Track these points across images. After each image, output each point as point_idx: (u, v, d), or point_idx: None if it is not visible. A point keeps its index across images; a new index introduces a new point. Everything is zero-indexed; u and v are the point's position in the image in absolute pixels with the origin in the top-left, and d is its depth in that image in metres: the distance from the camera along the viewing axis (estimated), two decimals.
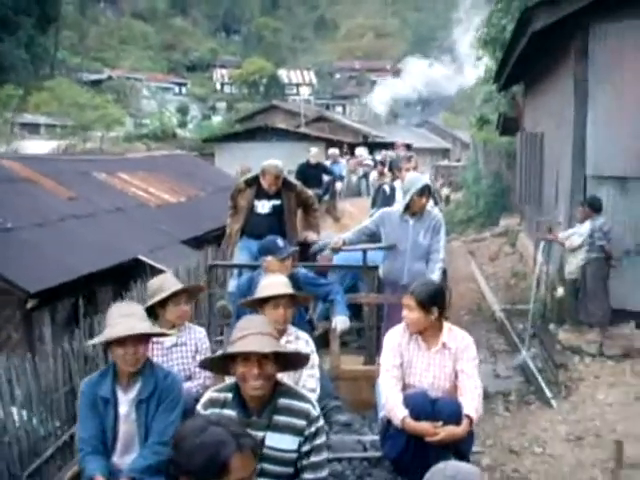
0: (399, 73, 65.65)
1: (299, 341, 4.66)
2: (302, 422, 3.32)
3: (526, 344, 9.34)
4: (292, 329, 4.74)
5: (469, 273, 14.91)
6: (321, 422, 3.43)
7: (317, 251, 7.57)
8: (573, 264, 9.07)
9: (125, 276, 10.48)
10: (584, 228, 8.86)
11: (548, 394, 7.83)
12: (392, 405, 4.17)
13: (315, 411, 3.41)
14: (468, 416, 4.11)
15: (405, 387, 4.36)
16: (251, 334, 3.32)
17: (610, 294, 8.98)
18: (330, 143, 24.59)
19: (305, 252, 7.28)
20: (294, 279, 5.22)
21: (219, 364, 3.51)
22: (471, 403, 4.17)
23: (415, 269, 6.09)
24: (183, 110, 69.99)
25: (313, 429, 3.34)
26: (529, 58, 12.09)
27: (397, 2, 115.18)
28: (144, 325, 4.05)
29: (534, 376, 8.39)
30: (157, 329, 4.42)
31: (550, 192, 11.62)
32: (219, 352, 3.57)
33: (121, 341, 3.89)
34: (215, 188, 18.55)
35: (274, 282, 4.69)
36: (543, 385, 8.06)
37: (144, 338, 4.03)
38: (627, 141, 9.35)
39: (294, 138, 28.18)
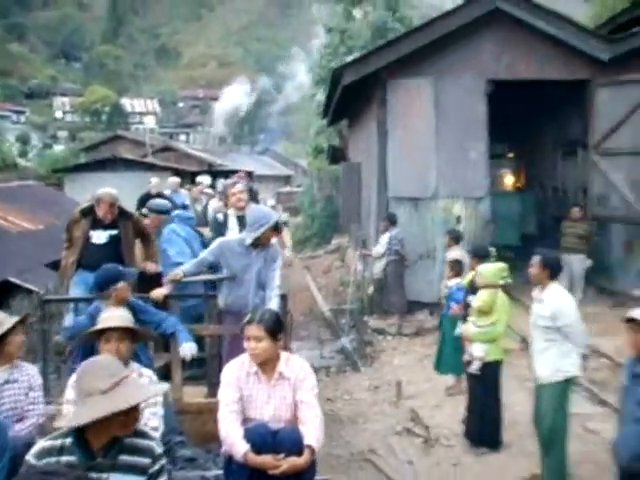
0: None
1: (142, 378, 4.49)
2: (147, 460, 3.28)
3: (346, 332, 11.91)
4: (134, 365, 4.58)
5: (305, 284, 17.44)
6: (164, 460, 3.44)
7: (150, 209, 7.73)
8: (378, 267, 11.78)
9: None
10: (384, 238, 11.57)
11: (359, 363, 10.39)
12: (232, 440, 4.18)
13: (159, 449, 3.41)
14: (309, 446, 4.16)
15: (246, 420, 4.37)
16: (124, 379, 3.23)
17: (406, 289, 11.76)
18: (176, 172, 26.19)
19: (144, 283, 6.86)
20: (132, 309, 5.15)
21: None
22: (312, 433, 4.22)
23: (258, 299, 6.08)
24: (23, 139, 68.87)
25: (157, 467, 3.32)
26: (347, 101, 14.87)
27: (239, 32, 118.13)
28: None
29: (350, 353, 10.93)
30: None
31: (365, 211, 14.40)
32: (100, 407, 3.12)
33: None
34: (69, 216, 20.01)
35: (111, 315, 4.62)
36: (356, 358, 10.62)
37: None
38: (417, 170, 12.26)
39: (142, 168, 29.26)
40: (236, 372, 4.42)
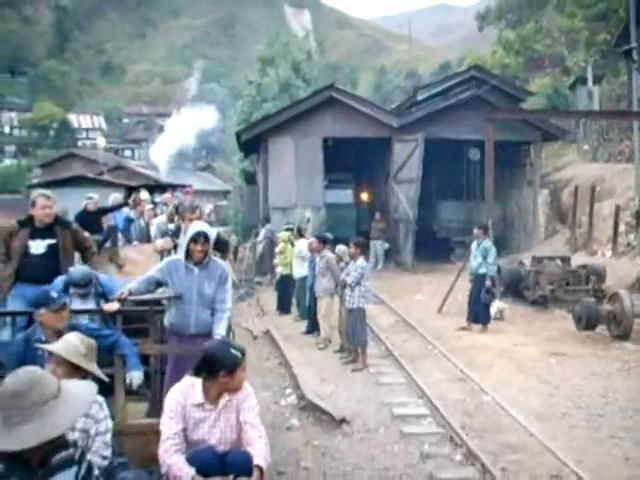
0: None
1: (94, 405, 4.46)
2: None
3: (243, 286, 21.41)
4: None
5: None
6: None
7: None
8: (260, 248, 21.37)
9: None
10: (263, 231, 21.12)
11: (245, 298, 19.91)
12: (176, 471, 4.38)
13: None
14: (258, 466, 4.42)
15: (192, 444, 4.62)
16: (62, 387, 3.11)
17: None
18: (130, 189, 34.73)
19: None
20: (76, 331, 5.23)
21: None
22: (260, 452, 4.50)
23: (202, 318, 6.26)
24: None
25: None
26: (251, 145, 24.58)
27: (183, 50, 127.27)
28: None
29: (242, 295, 20.42)
30: None
31: (259, 216, 24.08)
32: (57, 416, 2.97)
33: None
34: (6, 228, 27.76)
35: (64, 340, 4.81)
36: (244, 296, 20.13)
37: None
38: (285, 191, 22.02)
39: (102, 185, 37.65)
40: (180, 399, 4.61)
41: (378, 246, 21.84)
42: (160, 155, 57.54)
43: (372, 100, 27.54)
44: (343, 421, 8.87)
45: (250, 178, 30.29)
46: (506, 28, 44.40)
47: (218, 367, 4.51)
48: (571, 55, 46.32)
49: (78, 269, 6.91)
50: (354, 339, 11.34)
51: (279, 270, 16.39)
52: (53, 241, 7.41)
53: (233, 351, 4.58)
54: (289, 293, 16.28)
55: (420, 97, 23.19)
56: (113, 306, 6.18)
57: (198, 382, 4.62)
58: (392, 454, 8.00)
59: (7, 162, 78.18)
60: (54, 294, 5.54)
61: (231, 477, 4.39)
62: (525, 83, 40.45)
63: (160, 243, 9.32)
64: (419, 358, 11.82)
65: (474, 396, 9.74)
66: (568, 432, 8.36)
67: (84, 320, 6.03)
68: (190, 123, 57.82)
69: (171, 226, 10.94)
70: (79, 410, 3.16)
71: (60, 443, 3.06)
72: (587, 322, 12.53)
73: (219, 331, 6.13)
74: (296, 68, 33.68)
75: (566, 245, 21.93)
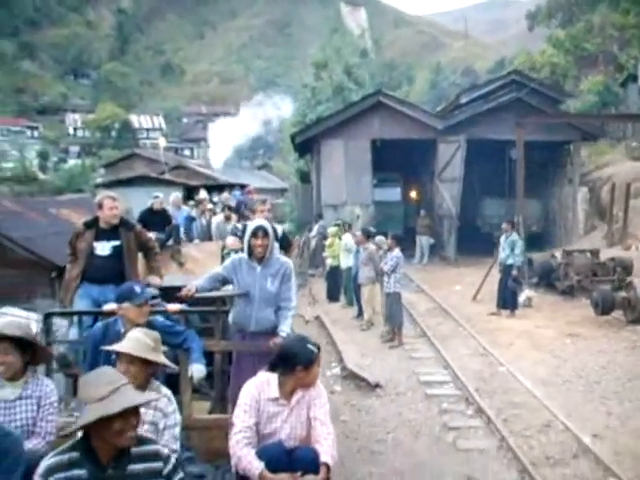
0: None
1: (162, 399, 4.74)
2: (158, 464, 3.53)
3: (299, 278, 23.29)
4: (155, 384, 4.86)
5: None
6: (174, 458, 3.74)
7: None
8: (313, 242, 23.19)
9: None
10: (316, 226, 22.92)
11: (300, 287, 21.76)
12: (245, 464, 4.48)
13: (164, 449, 3.70)
14: (325, 464, 4.50)
15: (262, 437, 4.71)
16: (121, 386, 3.43)
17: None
18: (188, 188, 36.52)
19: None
20: (151, 327, 5.39)
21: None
22: (327, 450, 4.58)
23: (263, 316, 6.28)
24: (43, 154, 79.28)
25: (170, 466, 3.59)
26: (306, 145, 26.44)
27: (240, 50, 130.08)
28: None
29: (298, 285, 22.29)
30: None
31: (312, 213, 25.90)
32: (92, 412, 3.34)
33: None
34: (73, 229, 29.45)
35: (129, 337, 4.88)
36: (299, 286, 21.98)
37: None
38: (336, 189, 23.81)
39: (164, 184, 39.55)
40: (255, 392, 4.73)
41: (424, 241, 23.51)
42: (226, 146, 58.28)
43: (428, 97, 29.11)
44: (377, 386, 10.67)
45: (305, 177, 32.24)
46: (556, 27, 45.32)
47: (295, 362, 4.64)
48: (622, 53, 46.70)
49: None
50: (391, 319, 13.11)
51: (328, 262, 18.19)
52: (117, 242, 7.57)
53: (309, 346, 4.71)
54: (337, 283, 18.03)
55: (463, 100, 24.80)
56: (176, 306, 6.42)
57: (273, 377, 4.75)
58: (416, 410, 9.75)
59: (71, 162, 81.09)
60: (138, 289, 5.70)
61: (299, 474, 4.44)
62: (577, 81, 41.41)
63: (230, 242, 9.94)
64: (449, 338, 13.52)
65: (491, 367, 11.44)
66: (566, 394, 10.01)
67: (159, 318, 6.10)
68: (265, 113, 58.50)
69: (239, 225, 11.37)
70: (133, 401, 3.42)
71: (135, 453, 3.45)
72: (603, 307, 14.01)
73: (284, 328, 6.20)
74: (348, 72, 35.53)
75: (603, 240, 23.22)
